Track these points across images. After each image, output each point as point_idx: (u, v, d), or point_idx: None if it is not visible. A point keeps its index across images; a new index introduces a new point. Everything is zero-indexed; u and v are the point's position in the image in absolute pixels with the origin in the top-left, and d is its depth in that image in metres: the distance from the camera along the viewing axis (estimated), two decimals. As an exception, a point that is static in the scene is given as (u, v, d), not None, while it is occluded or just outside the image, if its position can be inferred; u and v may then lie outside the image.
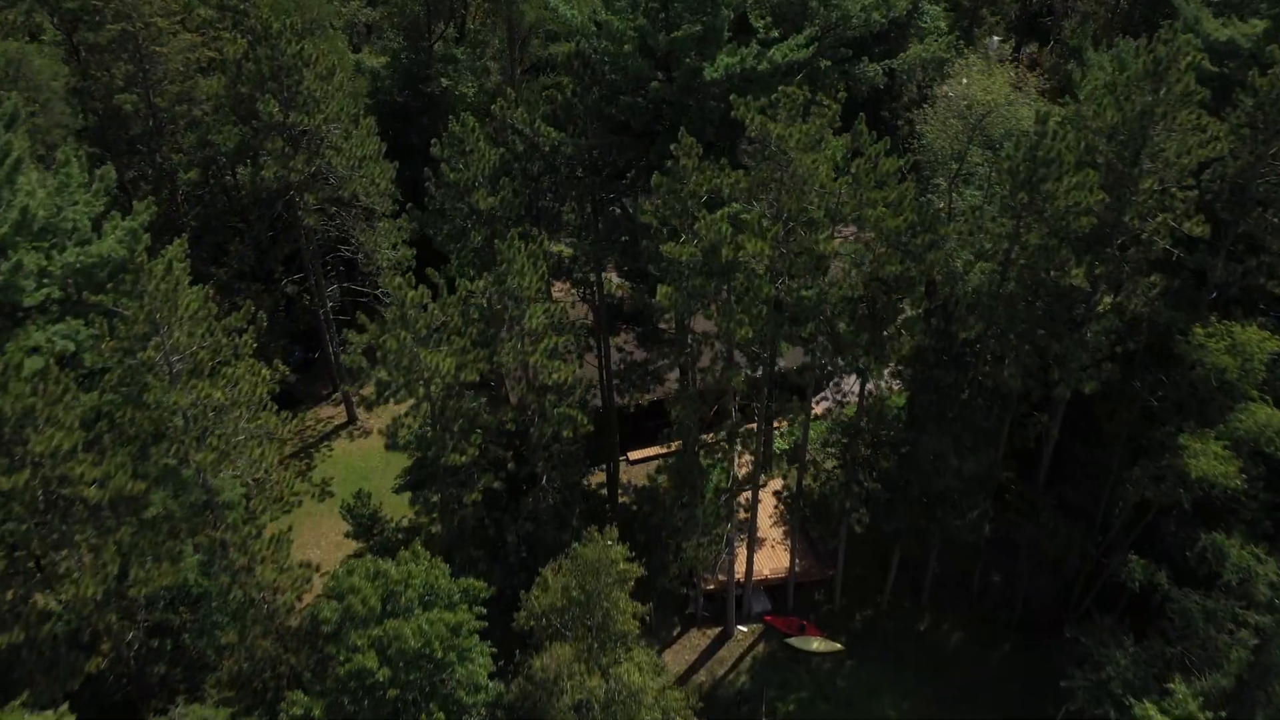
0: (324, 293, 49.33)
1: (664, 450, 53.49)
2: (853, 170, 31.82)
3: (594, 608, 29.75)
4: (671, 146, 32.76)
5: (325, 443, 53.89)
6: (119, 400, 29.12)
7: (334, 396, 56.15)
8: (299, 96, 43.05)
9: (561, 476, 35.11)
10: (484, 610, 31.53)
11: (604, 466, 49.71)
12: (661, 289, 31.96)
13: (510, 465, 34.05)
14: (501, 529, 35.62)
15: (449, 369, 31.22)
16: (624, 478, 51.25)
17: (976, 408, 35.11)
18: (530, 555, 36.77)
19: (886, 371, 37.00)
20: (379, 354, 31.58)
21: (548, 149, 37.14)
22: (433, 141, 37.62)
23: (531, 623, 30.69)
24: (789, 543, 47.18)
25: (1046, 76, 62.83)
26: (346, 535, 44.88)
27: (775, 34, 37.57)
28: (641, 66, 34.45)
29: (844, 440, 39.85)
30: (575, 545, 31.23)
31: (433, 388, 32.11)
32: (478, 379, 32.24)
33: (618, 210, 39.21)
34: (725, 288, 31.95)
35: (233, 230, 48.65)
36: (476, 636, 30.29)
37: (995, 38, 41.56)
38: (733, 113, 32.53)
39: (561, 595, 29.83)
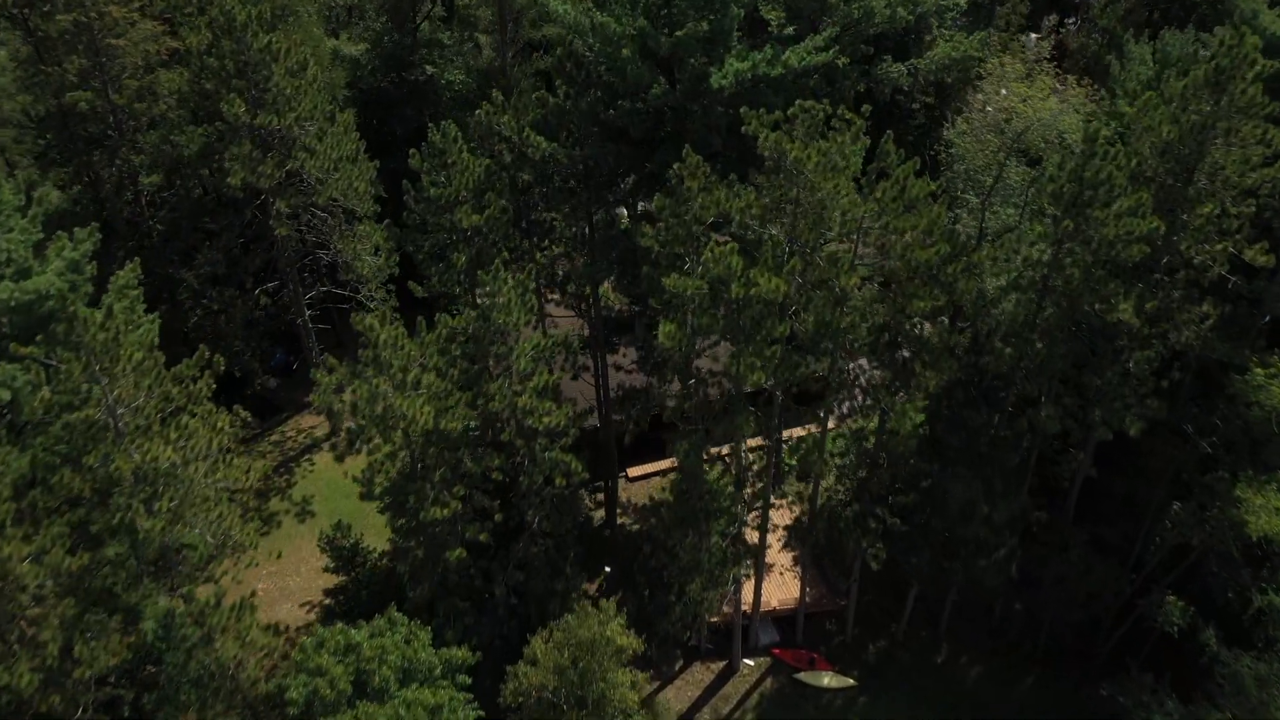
0: (302, 301, 46.01)
1: (667, 465, 50.74)
2: (878, 195, 28.40)
3: (589, 686, 26.95)
4: (675, 166, 29.39)
5: (307, 455, 50.86)
6: (55, 462, 26.05)
7: (316, 405, 52.90)
8: (268, 95, 39.40)
9: (554, 525, 32.12)
10: (469, 680, 28.81)
11: (602, 485, 46.84)
12: (664, 327, 28.73)
13: (498, 516, 31.04)
14: (489, 578, 32.74)
15: (427, 419, 28.12)
16: (623, 495, 48.37)
17: (1007, 448, 32.01)
18: (521, 602, 33.99)
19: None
20: (349, 401, 28.49)
21: (538, 159, 33.69)
22: (411, 152, 34.14)
23: (519, 699, 27.92)
24: (798, 569, 44.45)
25: (1074, 58, 59.00)
26: (326, 570, 42.20)
27: (790, 30, 33.92)
28: (641, 73, 30.92)
29: (860, 474, 36.81)
30: (568, 618, 28.28)
31: (411, 433, 29.04)
32: (460, 428, 29.10)
33: (614, 226, 35.85)
34: (735, 326, 28.71)
35: (204, 233, 45.17)
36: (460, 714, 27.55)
37: (1033, 35, 37.77)
38: (744, 128, 29.07)
39: (553, 673, 27.00)
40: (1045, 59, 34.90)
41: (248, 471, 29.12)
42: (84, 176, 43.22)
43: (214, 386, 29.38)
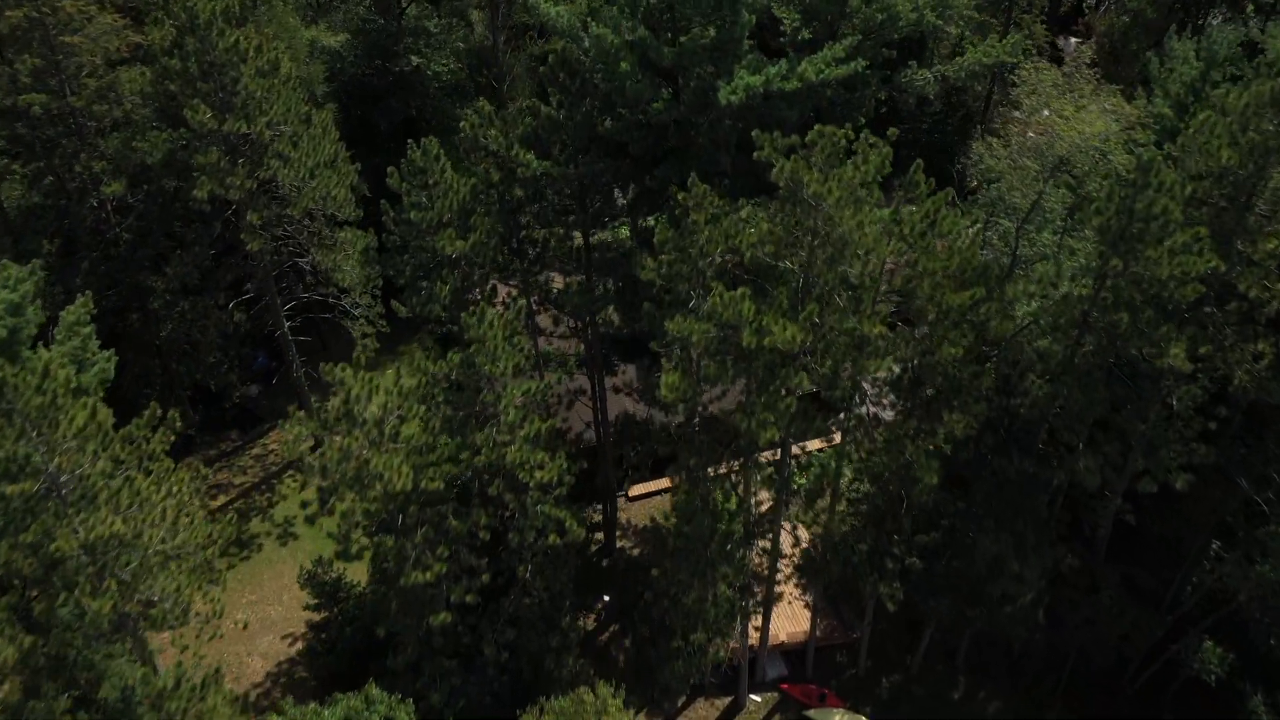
0: (280, 313, 43.17)
1: (669, 484, 48.15)
2: (905, 230, 25.47)
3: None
4: (680, 196, 26.46)
5: (289, 471, 48.30)
6: (-9, 540, 23.44)
7: (299, 415, 50.23)
8: (236, 98, 36.28)
9: (547, 583, 29.59)
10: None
11: (600, 507, 44.33)
12: (666, 377, 25.95)
13: (485, 577, 28.49)
14: (479, 635, 30.28)
15: (406, 479, 25.47)
16: (623, 516, 45.88)
17: (1039, 498, 29.38)
18: (513, 656, 31.56)
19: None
20: (319, 464, 25.87)
21: (529, 177, 30.74)
22: (389, 170, 31.13)
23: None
24: (808, 598, 42.04)
25: (1101, 41, 55.60)
26: (306, 607, 39.79)
27: (806, 34, 30.76)
28: (642, 87, 27.85)
29: (877, 502, 34.19)
30: (560, 702, 25.79)
31: (391, 491, 26.40)
32: (442, 485, 26.46)
33: (613, 248, 32.96)
34: (745, 374, 25.96)
35: (175, 239, 42.18)
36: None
37: (1073, 39, 34.42)
38: (756, 153, 26.08)
39: (545, 762, 24.64)
40: (1086, 64, 31.77)
41: (210, 536, 26.46)
42: (44, 180, 40.15)
43: (171, 441, 26.72)
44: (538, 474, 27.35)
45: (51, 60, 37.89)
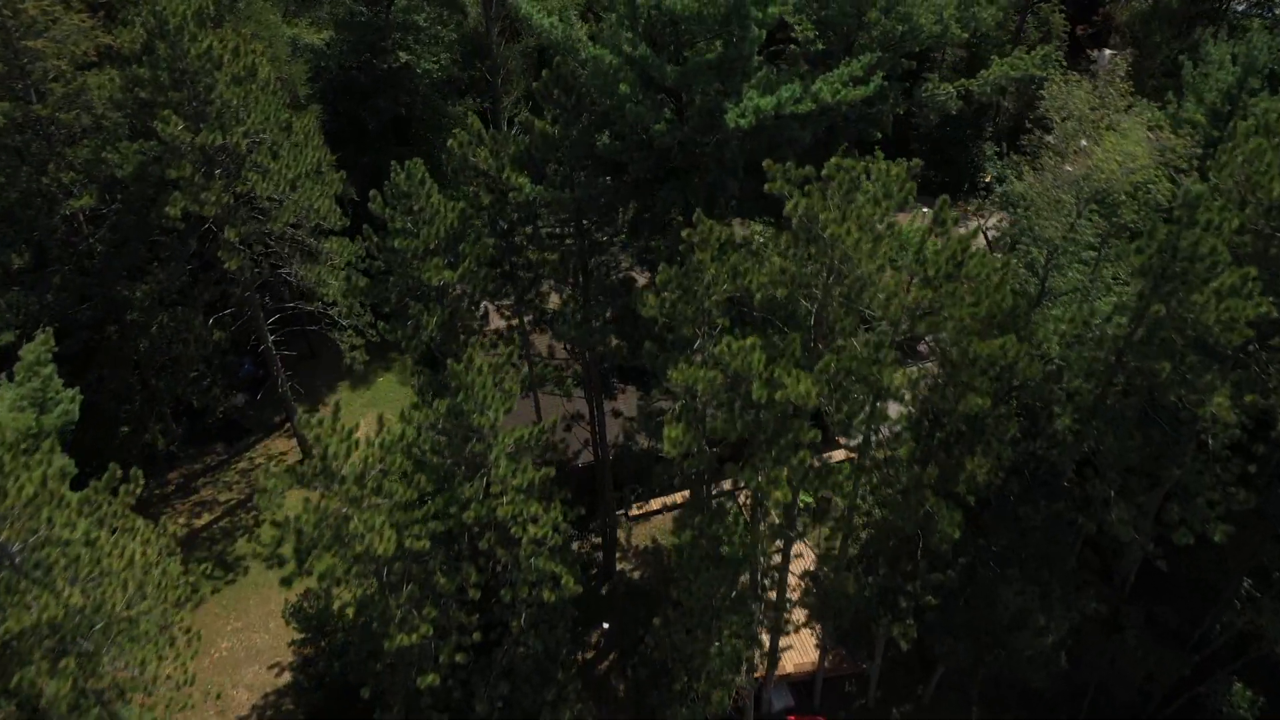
0: (264, 326, 41.16)
1: (672, 500, 46.32)
2: (930, 272, 23.41)
3: None
4: (684, 233, 24.41)
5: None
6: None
7: (288, 427, 48.53)
8: (210, 107, 34.08)
9: (542, 637, 27.81)
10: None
11: (598, 525, 42.55)
12: (669, 430, 23.96)
13: (476, 635, 26.72)
14: (470, 690, 28.56)
15: (388, 541, 23.60)
16: (623, 536, 44.11)
17: (1066, 547, 27.53)
18: (506, 706, 29.88)
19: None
20: (294, 527, 24.01)
21: (521, 202, 28.65)
22: (372, 194, 28.98)
23: None
24: (816, 625, 40.33)
25: (1122, 32, 53.13)
26: (291, 644, 38.16)
27: (820, 45, 28.49)
28: (642, 110, 25.67)
29: (889, 543, 32.36)
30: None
31: (373, 552, 24.56)
32: (428, 544, 24.60)
33: (612, 272, 30.91)
34: (754, 427, 24.01)
35: (153, 250, 40.00)
36: None
37: (1106, 50, 32.05)
38: (766, 186, 24.00)
39: None
40: (1120, 77, 29.49)
41: (181, 597, 24.64)
42: (10, 192, 37.95)
43: (136, 496, 24.82)
44: (531, 529, 25.49)
45: (15, 65, 35.61)
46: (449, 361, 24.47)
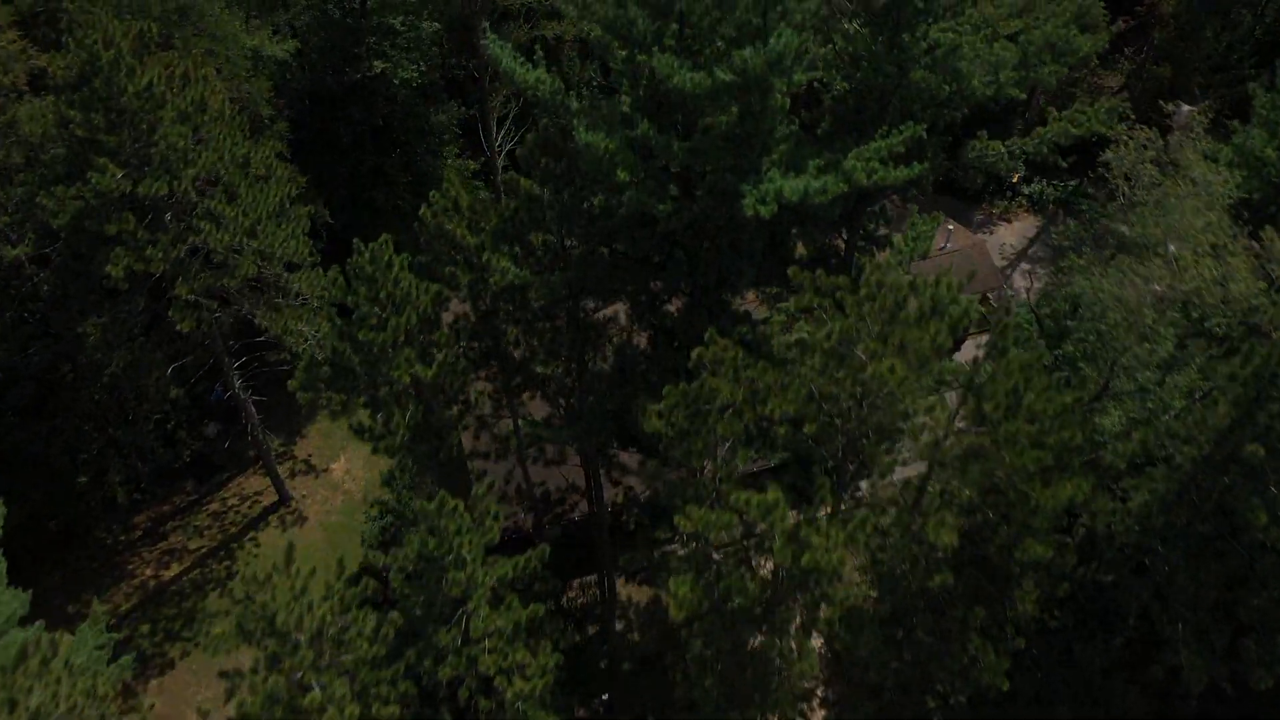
0: (231, 373, 37.58)
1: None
2: (988, 409, 19.74)
3: None
4: (695, 352, 20.73)
5: (250, 533, 43.23)
6: None
7: (262, 463, 45.10)
8: (154, 151, 30.03)
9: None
10: None
11: (594, 581, 39.45)
12: (676, 587, 20.56)
13: (456, 793, 23.68)
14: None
15: (351, 717, 20.35)
16: (621, 593, 40.99)
17: (1126, 688, 24.33)
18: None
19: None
20: (238, 698, 20.74)
21: (504, 287, 24.90)
22: (333, 272, 25.16)
23: None
24: (828, 693, 37.54)
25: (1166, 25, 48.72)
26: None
27: (852, 103, 24.46)
28: (643, 197, 21.77)
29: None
30: None
31: None
32: (398, 710, 21.37)
33: (616, 354, 27.26)
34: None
35: (105, 295, 36.10)
36: None
37: (1185, 106, 27.90)
38: (794, 302, 20.25)
39: None
40: (1202, 132, 25.39)
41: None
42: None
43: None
44: (519, 682, 22.22)
45: (-68, 97, 31.53)
46: (420, 503, 20.95)
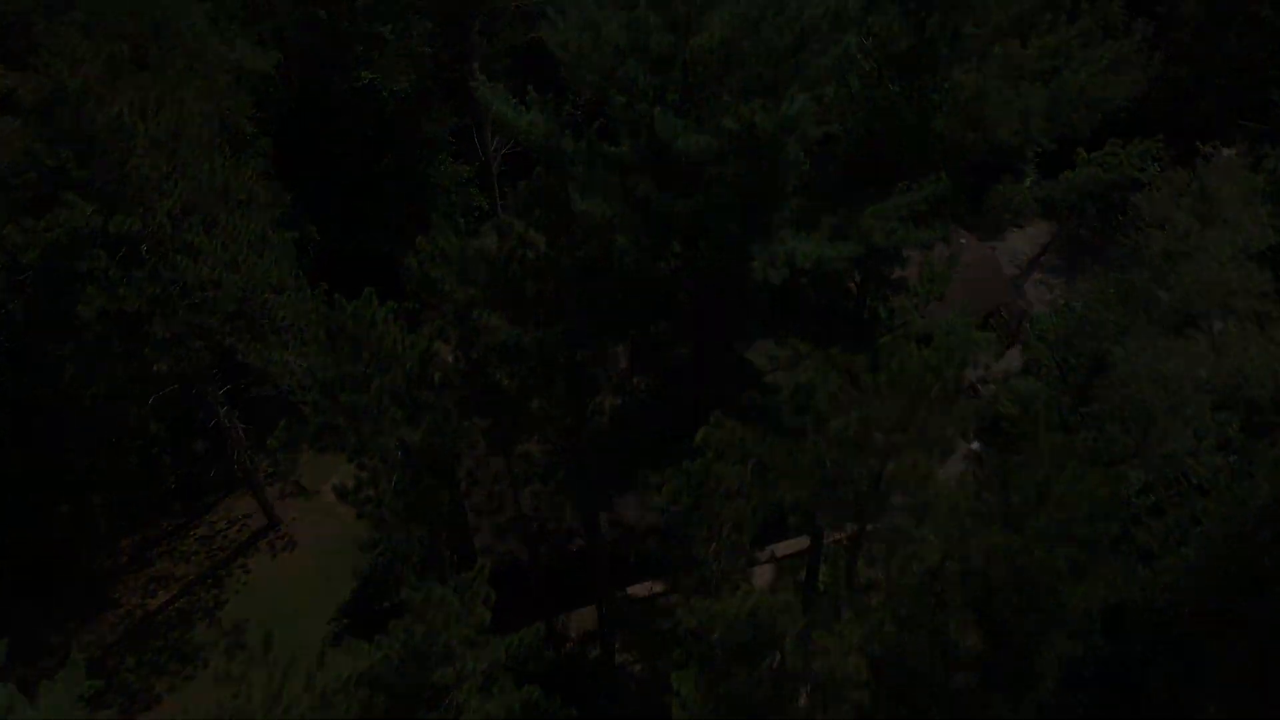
0: (217, 404, 36.18)
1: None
2: (1014, 499, 18.33)
3: None
4: (701, 431, 19.29)
5: (239, 559, 41.91)
6: None
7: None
8: (127, 183, 28.41)
9: None
10: None
11: (592, 606, 38.17)
12: (680, 685, 19.27)
13: None
14: None
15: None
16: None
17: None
18: None
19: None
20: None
21: (495, 345, 23.43)
22: (311, 345, 23.69)
23: None
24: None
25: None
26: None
27: (867, 154, 22.84)
28: (644, 261, 20.27)
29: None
30: None
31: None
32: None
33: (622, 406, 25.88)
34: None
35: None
36: None
37: (1225, 150, 26.30)
38: (803, 378, 18.77)
39: None
40: (1243, 171, 23.66)
41: None
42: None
43: None
44: (511, 774, 21.03)
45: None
46: (405, 590, 19.62)
